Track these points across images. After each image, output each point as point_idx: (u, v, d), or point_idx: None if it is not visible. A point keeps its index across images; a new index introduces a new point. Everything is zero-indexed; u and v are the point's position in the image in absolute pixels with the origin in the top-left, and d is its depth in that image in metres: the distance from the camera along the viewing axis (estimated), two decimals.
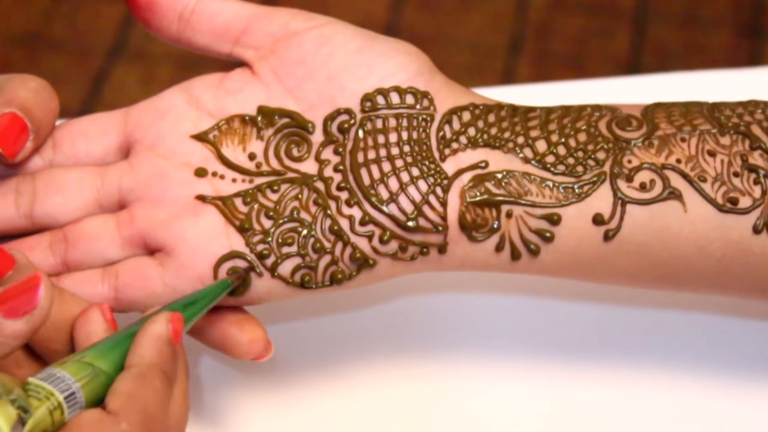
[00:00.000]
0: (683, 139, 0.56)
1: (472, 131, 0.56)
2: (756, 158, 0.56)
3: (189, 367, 0.62)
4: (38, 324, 0.48)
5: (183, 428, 0.50)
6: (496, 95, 0.59)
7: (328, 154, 0.56)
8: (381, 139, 0.56)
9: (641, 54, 1.67)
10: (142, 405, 0.47)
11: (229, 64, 0.59)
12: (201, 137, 0.57)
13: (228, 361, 0.62)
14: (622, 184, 0.55)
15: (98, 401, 0.47)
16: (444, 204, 0.55)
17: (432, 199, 0.55)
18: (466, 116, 0.57)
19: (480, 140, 0.56)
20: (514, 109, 0.57)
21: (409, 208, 0.55)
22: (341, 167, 0.56)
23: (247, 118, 0.57)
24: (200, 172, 0.56)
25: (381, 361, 0.63)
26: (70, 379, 0.47)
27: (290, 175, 0.56)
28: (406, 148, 0.56)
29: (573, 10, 1.72)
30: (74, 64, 1.65)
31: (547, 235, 0.55)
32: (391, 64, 0.57)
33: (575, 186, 0.55)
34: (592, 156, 0.56)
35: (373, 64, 0.57)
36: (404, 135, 0.56)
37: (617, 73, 1.62)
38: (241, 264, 0.54)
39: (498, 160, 0.56)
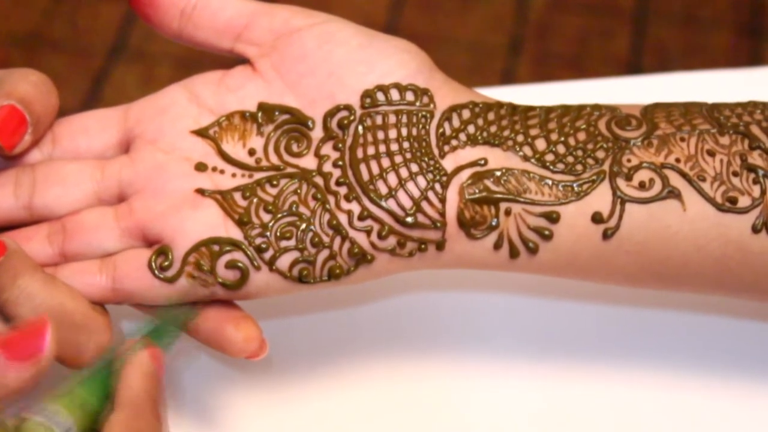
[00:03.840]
0: (683, 139, 0.56)
1: (471, 129, 0.56)
2: (755, 158, 0.56)
3: (184, 364, 0.63)
4: (43, 371, 0.48)
5: None
6: (496, 95, 0.59)
7: (327, 149, 0.56)
8: (380, 135, 0.56)
9: (641, 54, 1.67)
10: None
11: (229, 64, 0.59)
12: (201, 133, 0.57)
13: (222, 358, 0.62)
14: (621, 182, 0.55)
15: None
16: (443, 200, 0.55)
17: (431, 195, 0.55)
18: (466, 114, 0.57)
19: (479, 138, 0.56)
20: (513, 108, 0.57)
21: (407, 203, 0.55)
22: (340, 163, 0.56)
23: (247, 114, 0.57)
24: (200, 167, 0.56)
25: (377, 360, 0.63)
26: (65, 414, 0.48)
27: (289, 170, 0.56)
28: (406, 145, 0.56)
29: (573, 10, 1.72)
30: (74, 64, 1.65)
31: (546, 233, 0.55)
32: (392, 62, 0.57)
33: (574, 184, 0.55)
34: (592, 155, 0.56)
35: (373, 61, 0.57)
36: (404, 131, 0.56)
37: (617, 73, 1.62)
38: (238, 257, 0.54)
39: (497, 158, 0.56)
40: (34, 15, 1.70)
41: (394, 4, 1.72)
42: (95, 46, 1.67)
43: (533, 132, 0.56)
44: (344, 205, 0.55)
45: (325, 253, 0.55)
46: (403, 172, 0.55)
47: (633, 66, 1.64)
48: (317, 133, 0.57)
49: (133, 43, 1.67)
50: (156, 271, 0.54)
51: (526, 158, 0.56)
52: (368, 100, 0.56)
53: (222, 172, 0.56)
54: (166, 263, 0.54)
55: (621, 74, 1.61)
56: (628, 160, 0.56)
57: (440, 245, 0.55)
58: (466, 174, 0.55)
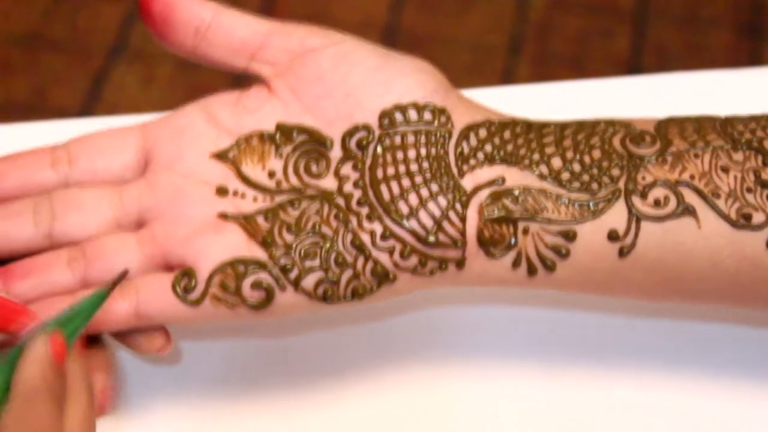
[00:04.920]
0: (696, 155, 0.56)
1: (488, 148, 0.57)
2: None
3: (187, 372, 0.62)
4: None
5: None
6: (497, 95, 0.59)
7: (347, 170, 0.56)
8: (400, 155, 0.56)
9: (641, 54, 1.67)
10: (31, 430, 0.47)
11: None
12: (221, 156, 0.57)
13: (233, 368, 0.62)
14: (636, 200, 0.56)
15: None
16: (463, 220, 0.55)
17: (452, 214, 0.55)
18: (483, 133, 0.57)
19: (497, 157, 0.56)
20: (528, 125, 0.58)
21: (429, 223, 0.55)
22: (361, 183, 0.56)
23: (265, 135, 0.57)
24: (221, 191, 0.56)
25: (385, 371, 0.63)
26: None
27: (310, 191, 0.56)
28: (425, 165, 0.56)
29: (573, 10, 1.72)
30: (74, 64, 1.65)
31: (563, 251, 0.56)
32: (409, 82, 0.57)
33: (590, 203, 0.56)
34: (607, 173, 0.56)
35: (390, 81, 0.57)
36: (423, 151, 0.56)
37: (617, 73, 1.63)
38: (263, 277, 0.55)
39: (515, 177, 0.56)
40: (34, 15, 1.69)
41: (394, 3, 1.72)
42: (95, 46, 1.67)
43: (549, 150, 0.57)
44: (366, 225, 0.55)
45: (348, 273, 0.55)
46: (424, 192, 0.56)
47: (633, 66, 1.65)
48: (336, 153, 0.57)
49: (133, 43, 1.67)
50: (180, 294, 0.54)
51: (542, 177, 0.56)
52: (386, 120, 0.57)
53: (243, 195, 0.56)
54: (191, 285, 0.54)
55: (621, 74, 1.61)
56: (643, 178, 0.56)
57: (460, 263, 0.56)
58: (484, 193, 0.56)
